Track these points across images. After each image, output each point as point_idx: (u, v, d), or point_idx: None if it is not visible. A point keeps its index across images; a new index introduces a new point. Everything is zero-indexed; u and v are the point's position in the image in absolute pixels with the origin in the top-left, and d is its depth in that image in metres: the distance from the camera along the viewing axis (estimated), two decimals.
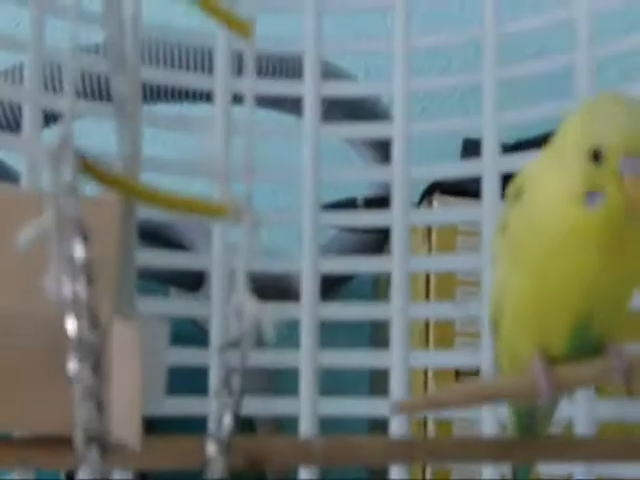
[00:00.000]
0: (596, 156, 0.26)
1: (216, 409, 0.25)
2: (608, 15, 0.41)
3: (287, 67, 0.50)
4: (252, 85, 0.23)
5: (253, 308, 0.26)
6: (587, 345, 0.30)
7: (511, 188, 0.31)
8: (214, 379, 0.41)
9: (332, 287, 0.72)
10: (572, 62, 0.41)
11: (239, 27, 0.23)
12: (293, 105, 0.46)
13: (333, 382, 0.71)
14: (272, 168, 0.44)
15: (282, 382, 0.48)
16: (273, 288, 0.60)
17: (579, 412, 0.40)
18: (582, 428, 0.40)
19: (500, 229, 0.31)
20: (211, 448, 0.25)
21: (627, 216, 0.26)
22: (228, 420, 0.25)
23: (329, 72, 0.51)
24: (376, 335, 0.64)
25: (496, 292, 0.32)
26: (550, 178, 0.28)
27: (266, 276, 0.45)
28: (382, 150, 0.53)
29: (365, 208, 0.57)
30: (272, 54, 0.49)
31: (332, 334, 0.67)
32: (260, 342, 0.27)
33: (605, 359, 0.29)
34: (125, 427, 0.24)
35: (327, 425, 0.43)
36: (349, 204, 0.56)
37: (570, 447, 0.33)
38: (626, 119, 0.26)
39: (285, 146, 0.75)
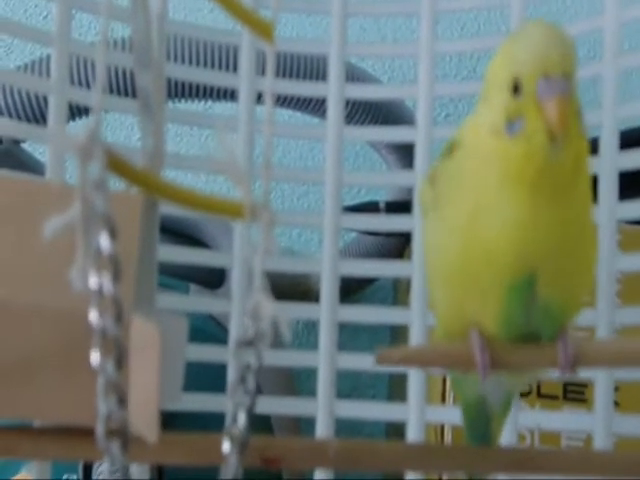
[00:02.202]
0: (516, 87, 0.26)
1: (231, 407, 0.25)
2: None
3: (313, 68, 0.50)
4: (272, 85, 0.23)
5: (270, 308, 0.26)
6: (534, 315, 0.27)
7: (445, 144, 0.30)
8: (231, 377, 0.41)
9: (354, 289, 0.73)
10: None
11: (260, 28, 0.23)
12: (319, 106, 0.46)
13: (352, 385, 0.71)
14: (297, 169, 0.44)
15: (303, 383, 0.48)
16: (295, 288, 0.61)
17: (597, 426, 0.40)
18: (600, 442, 0.39)
19: (429, 180, 0.30)
20: (226, 446, 0.25)
21: (551, 142, 0.25)
22: (243, 419, 0.25)
23: (354, 75, 0.52)
24: (396, 339, 0.63)
25: (428, 254, 0.30)
26: (476, 122, 0.27)
27: (288, 276, 0.45)
28: (406, 154, 0.53)
29: (387, 212, 0.57)
30: (298, 54, 0.49)
31: (353, 336, 0.67)
32: (279, 342, 0.27)
33: (551, 345, 0.28)
34: (143, 422, 0.24)
35: (344, 428, 0.43)
36: (371, 207, 0.56)
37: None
38: (541, 43, 0.25)
39: (311, 147, 0.75)
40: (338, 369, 0.43)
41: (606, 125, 0.40)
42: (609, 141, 0.40)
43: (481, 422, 0.33)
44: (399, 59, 0.73)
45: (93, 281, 0.20)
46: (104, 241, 0.20)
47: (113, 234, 0.20)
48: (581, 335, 0.47)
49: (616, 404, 0.49)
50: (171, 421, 0.46)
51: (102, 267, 0.21)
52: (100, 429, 0.21)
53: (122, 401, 0.21)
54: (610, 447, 0.40)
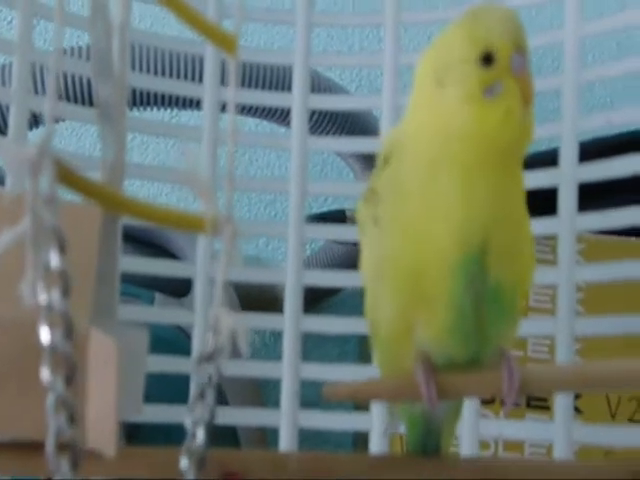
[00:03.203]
0: (487, 59, 0.27)
1: (190, 423, 0.25)
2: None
3: (279, 78, 0.50)
4: (234, 98, 0.23)
5: (229, 321, 0.25)
6: (481, 310, 0.28)
7: (379, 157, 0.30)
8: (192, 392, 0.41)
9: (321, 298, 0.72)
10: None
11: (223, 41, 0.23)
12: (285, 116, 0.46)
13: (319, 393, 0.71)
14: (263, 178, 0.44)
15: (270, 394, 0.48)
16: (262, 297, 0.60)
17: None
18: (560, 450, 0.40)
19: (364, 199, 0.30)
20: (184, 462, 0.25)
21: (523, 110, 0.27)
22: (202, 434, 0.25)
23: (320, 84, 0.52)
24: (364, 349, 0.64)
25: (370, 280, 0.30)
26: (436, 109, 0.28)
27: (255, 285, 0.45)
28: (372, 163, 0.53)
29: (354, 221, 0.57)
30: (264, 64, 0.49)
31: (320, 345, 0.67)
32: (245, 353, 0.26)
33: (495, 372, 0.28)
34: (102, 436, 0.24)
35: (311, 438, 0.43)
36: (338, 216, 0.56)
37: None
38: (510, 21, 0.27)
39: (278, 155, 0.75)
40: (303, 379, 0.42)
41: (566, 136, 0.41)
42: (569, 153, 0.41)
43: (426, 434, 0.32)
44: (367, 68, 0.73)
45: (42, 297, 0.20)
46: (54, 256, 0.20)
47: (63, 249, 0.20)
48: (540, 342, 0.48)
49: (579, 412, 0.50)
50: (138, 433, 0.46)
51: (52, 282, 0.20)
52: (50, 445, 0.20)
53: (73, 418, 0.21)
54: (570, 455, 0.40)
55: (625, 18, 0.41)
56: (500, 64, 0.27)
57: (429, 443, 0.33)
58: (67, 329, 0.20)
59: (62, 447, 0.21)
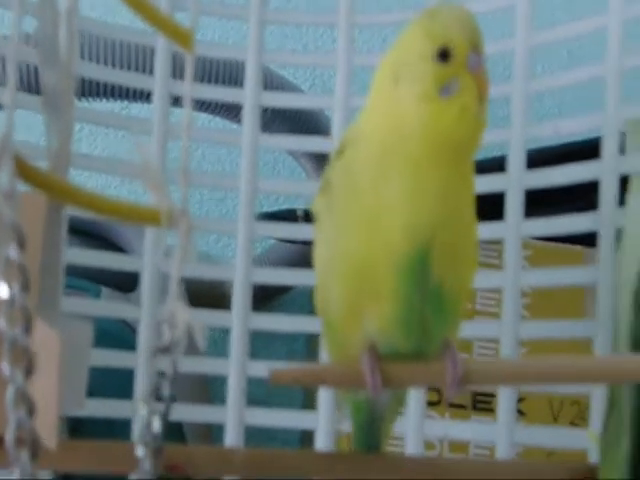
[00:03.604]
0: (444, 55, 0.28)
1: (145, 414, 0.25)
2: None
3: (232, 73, 0.50)
4: (190, 91, 0.23)
5: (185, 315, 0.25)
6: (424, 307, 0.28)
7: (336, 149, 0.31)
8: (140, 383, 0.41)
9: (272, 296, 0.72)
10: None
11: (178, 36, 0.23)
12: (237, 112, 0.46)
13: (267, 391, 0.71)
14: (214, 174, 0.43)
15: (217, 390, 0.47)
16: (210, 294, 0.60)
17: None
18: (502, 451, 0.40)
19: (320, 190, 0.31)
20: (140, 451, 0.25)
21: (479, 107, 0.28)
22: (157, 425, 0.25)
23: (273, 82, 0.52)
24: (312, 348, 0.64)
25: (322, 269, 0.31)
26: (392, 106, 0.28)
27: (204, 282, 0.45)
28: (324, 163, 0.53)
29: (305, 220, 0.57)
30: (217, 59, 0.49)
31: (268, 344, 0.67)
32: (194, 349, 0.26)
33: (439, 363, 0.29)
34: (43, 428, 0.23)
35: (258, 435, 0.43)
36: (289, 215, 0.56)
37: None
38: (467, 20, 0.28)
39: (229, 152, 0.75)
40: (251, 376, 0.42)
41: (514, 143, 0.42)
42: (517, 159, 0.41)
43: (371, 422, 0.33)
44: (320, 68, 0.74)
45: (3, 290, 0.20)
46: (13, 251, 0.20)
47: (22, 244, 0.20)
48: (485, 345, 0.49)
49: (522, 414, 0.51)
50: (81, 427, 0.45)
51: (12, 277, 0.20)
52: (10, 438, 0.21)
53: (32, 410, 0.21)
54: (513, 456, 0.41)
55: (575, 28, 0.41)
56: (456, 61, 0.28)
57: (372, 433, 0.33)
58: (27, 323, 0.20)
59: (21, 439, 0.21)
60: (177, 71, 0.42)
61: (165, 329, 0.24)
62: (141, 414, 0.24)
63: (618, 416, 0.36)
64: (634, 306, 0.36)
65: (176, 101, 0.42)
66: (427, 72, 0.28)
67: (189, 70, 0.22)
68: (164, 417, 0.24)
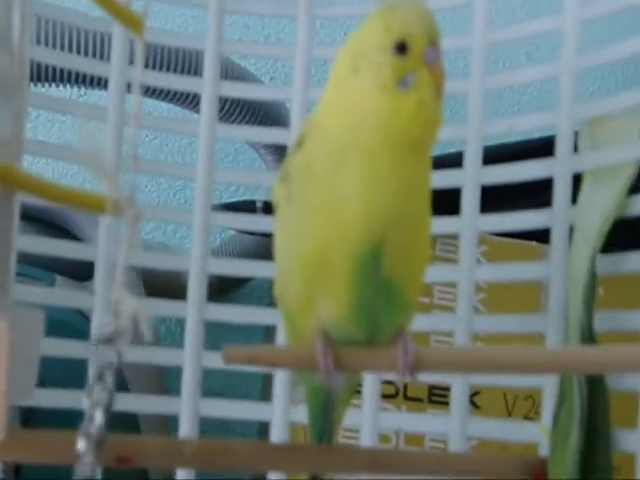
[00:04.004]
0: (401, 48, 0.28)
1: (88, 405, 0.25)
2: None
3: (192, 62, 0.50)
4: (141, 77, 0.23)
5: (131, 305, 0.25)
6: (376, 300, 0.29)
7: (295, 140, 0.31)
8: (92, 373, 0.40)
9: (229, 288, 0.72)
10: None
11: (129, 21, 0.23)
12: (197, 102, 0.45)
13: (224, 383, 0.71)
14: (171, 164, 0.43)
15: (173, 382, 0.47)
16: (169, 284, 0.60)
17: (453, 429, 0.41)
18: (455, 444, 0.41)
19: (280, 178, 0.31)
20: (81, 444, 0.25)
21: (435, 100, 0.28)
22: (100, 417, 0.25)
23: (233, 72, 0.51)
24: (269, 340, 0.64)
25: (280, 256, 0.31)
26: (349, 97, 0.28)
27: (162, 272, 0.45)
28: (284, 155, 0.53)
29: (264, 212, 0.57)
30: (176, 48, 0.48)
31: (226, 335, 0.66)
32: (149, 339, 0.26)
33: (391, 348, 0.29)
34: None
35: (215, 427, 0.43)
36: (248, 206, 0.56)
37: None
38: (425, 14, 0.28)
39: (189, 142, 0.74)
40: (207, 368, 0.42)
41: (471, 139, 0.42)
42: (473, 155, 0.42)
43: (325, 407, 0.33)
44: (282, 60, 0.73)
45: None
46: None
47: None
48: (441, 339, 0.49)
49: (477, 408, 0.51)
50: (34, 417, 0.44)
51: None
52: None
53: None
54: (466, 449, 0.41)
55: (532, 27, 0.42)
56: (414, 55, 0.28)
57: (326, 419, 0.33)
58: None
59: None
60: (134, 58, 0.42)
61: (110, 318, 0.24)
62: (84, 405, 0.24)
63: (568, 410, 0.36)
64: (584, 302, 0.36)
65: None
66: (385, 64, 0.28)
67: (139, 56, 0.22)
68: (107, 407, 0.24)
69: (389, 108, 0.28)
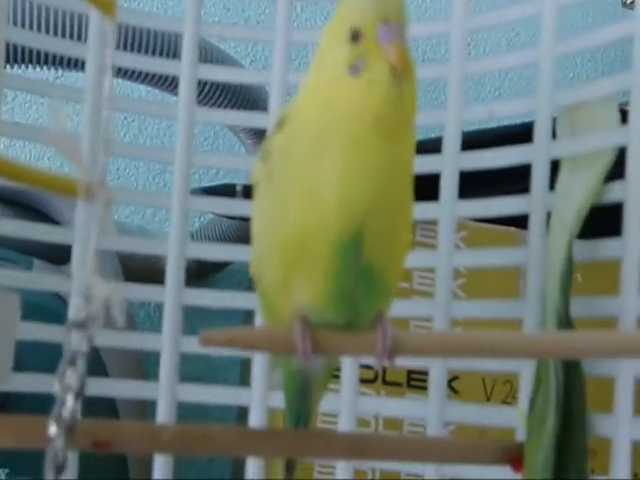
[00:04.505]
0: (355, 36, 0.27)
1: (59, 391, 0.25)
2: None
3: (170, 45, 0.49)
4: (111, 60, 0.23)
5: (103, 289, 0.25)
6: (355, 285, 0.28)
7: (276, 122, 0.31)
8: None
9: (208, 272, 0.72)
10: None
11: (101, 3, 0.22)
12: (175, 85, 0.45)
13: (203, 368, 0.71)
14: (149, 147, 0.43)
15: (152, 367, 0.47)
16: (148, 268, 0.59)
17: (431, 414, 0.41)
18: (433, 428, 0.41)
19: (260, 158, 0.31)
20: (52, 429, 0.24)
21: (393, 77, 0.27)
22: (71, 402, 0.24)
23: (213, 55, 0.51)
24: (249, 324, 0.64)
25: (260, 231, 0.31)
26: (307, 87, 0.29)
27: (140, 256, 0.44)
28: (263, 139, 0.53)
29: (244, 196, 0.57)
30: (155, 30, 0.48)
31: (205, 320, 0.66)
32: (128, 324, 0.26)
33: (370, 333, 0.29)
34: None
35: (193, 412, 0.43)
36: (227, 190, 0.56)
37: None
38: None
39: (168, 125, 0.74)
40: (186, 353, 0.42)
41: (450, 125, 0.42)
42: (452, 140, 0.42)
43: (302, 391, 0.33)
44: (262, 44, 0.73)
45: None
46: None
47: None
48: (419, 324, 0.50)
49: (456, 392, 0.51)
50: (11, 402, 0.44)
51: None
52: None
53: None
54: (444, 434, 0.42)
55: (511, 13, 0.42)
56: (366, 39, 0.27)
57: (304, 404, 0.34)
58: None
59: None
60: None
61: (82, 303, 0.24)
62: (55, 390, 0.24)
63: (545, 395, 0.36)
64: (561, 289, 0.36)
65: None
66: (340, 55, 0.28)
67: (110, 38, 0.21)
68: (79, 392, 0.24)
69: (342, 95, 0.27)
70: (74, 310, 0.40)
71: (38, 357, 0.41)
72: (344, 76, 0.27)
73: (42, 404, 0.39)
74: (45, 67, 0.48)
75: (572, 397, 0.36)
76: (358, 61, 0.27)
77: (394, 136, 0.28)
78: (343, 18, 0.28)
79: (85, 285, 0.24)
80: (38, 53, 0.46)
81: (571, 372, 0.36)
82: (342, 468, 0.41)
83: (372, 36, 0.27)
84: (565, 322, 0.36)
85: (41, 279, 0.44)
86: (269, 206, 0.30)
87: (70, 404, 0.24)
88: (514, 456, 0.35)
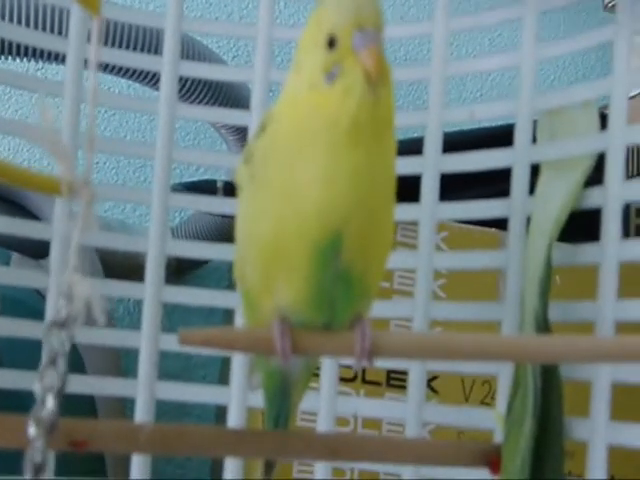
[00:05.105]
0: (331, 43, 0.28)
1: (40, 390, 0.25)
2: None
3: (152, 40, 0.49)
4: (96, 55, 0.22)
5: (85, 288, 0.25)
6: (334, 287, 0.28)
7: (259, 123, 0.31)
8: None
9: (187, 270, 0.72)
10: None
11: (85, 2, 0.22)
12: (157, 80, 0.45)
13: (182, 366, 0.71)
14: (130, 142, 0.42)
15: (131, 364, 0.47)
16: (127, 264, 0.59)
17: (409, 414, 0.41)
18: (412, 428, 0.41)
19: (243, 159, 0.31)
20: (32, 430, 0.24)
21: (368, 84, 0.27)
22: (51, 402, 0.24)
23: (195, 51, 0.51)
24: (229, 322, 0.63)
25: (242, 231, 0.31)
26: (288, 92, 0.29)
27: (120, 252, 0.44)
28: (245, 136, 0.53)
29: (224, 193, 0.57)
30: (137, 25, 0.47)
31: (185, 318, 0.66)
32: (108, 321, 0.26)
33: (349, 333, 0.29)
34: None
35: (172, 410, 0.42)
36: (208, 187, 0.55)
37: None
38: (353, 0, 0.28)
39: (149, 120, 0.73)
40: (165, 351, 0.42)
41: (431, 126, 0.42)
42: (433, 142, 0.42)
43: (281, 391, 0.33)
44: (244, 40, 0.73)
45: None
46: None
47: None
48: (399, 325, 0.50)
49: (435, 392, 0.52)
50: None
51: None
52: None
53: None
54: (423, 434, 0.42)
55: (494, 16, 0.42)
56: (341, 46, 0.27)
57: (283, 404, 0.33)
58: None
59: None
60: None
61: (63, 302, 0.24)
62: (35, 390, 0.24)
63: (522, 398, 0.37)
64: (539, 291, 0.37)
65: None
66: (316, 61, 0.28)
67: (95, 34, 0.21)
68: (59, 392, 0.24)
69: (318, 103, 0.27)
70: (55, 310, 0.39)
71: (16, 353, 0.40)
72: (320, 83, 0.27)
73: (20, 401, 0.39)
74: (25, 59, 0.47)
75: (550, 401, 0.36)
76: (334, 68, 0.27)
77: (372, 141, 0.28)
78: (321, 23, 0.28)
79: (66, 284, 0.24)
80: (18, 46, 0.46)
81: (549, 376, 0.36)
82: (321, 468, 0.41)
83: (348, 43, 0.27)
84: (543, 325, 0.37)
85: (19, 275, 0.43)
86: (251, 208, 0.30)
87: (50, 405, 0.24)
88: (492, 458, 0.35)
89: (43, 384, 0.24)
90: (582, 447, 0.37)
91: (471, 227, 0.53)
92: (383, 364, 0.38)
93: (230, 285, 0.68)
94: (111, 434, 0.31)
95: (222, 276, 0.73)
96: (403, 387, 0.47)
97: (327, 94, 0.27)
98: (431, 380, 0.52)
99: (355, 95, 0.27)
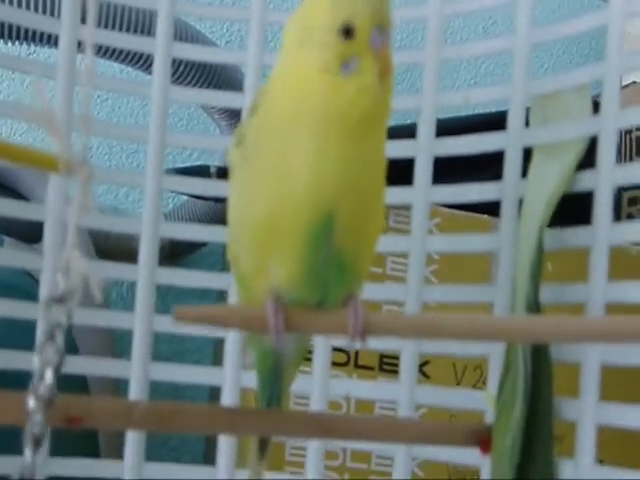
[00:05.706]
0: (347, 32, 0.28)
1: (38, 365, 0.25)
2: None
3: (145, 23, 0.49)
4: (92, 37, 0.22)
5: (82, 265, 0.25)
6: (326, 268, 0.29)
7: (250, 105, 0.31)
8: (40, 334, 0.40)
9: (181, 253, 0.72)
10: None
11: None
12: (150, 63, 0.45)
13: (177, 348, 0.71)
14: (123, 126, 0.42)
15: (125, 345, 0.47)
16: (120, 248, 0.59)
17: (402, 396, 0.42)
18: (404, 411, 0.41)
19: (235, 141, 0.31)
20: (31, 403, 0.24)
21: (380, 81, 0.28)
22: (50, 377, 0.25)
23: (188, 34, 0.50)
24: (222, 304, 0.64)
25: (234, 212, 0.31)
26: (287, 69, 0.29)
27: (113, 235, 0.44)
28: (238, 121, 0.53)
29: (218, 177, 0.57)
30: (130, 7, 0.47)
31: (180, 300, 0.66)
32: (102, 302, 0.26)
33: (342, 312, 0.29)
34: None
35: (166, 391, 0.43)
36: (201, 171, 0.55)
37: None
38: None
39: (143, 104, 0.73)
40: (159, 332, 0.42)
41: (425, 111, 0.42)
42: (427, 126, 0.42)
43: (274, 371, 0.34)
44: (238, 24, 0.72)
45: None
46: None
47: None
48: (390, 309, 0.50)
49: (427, 377, 0.52)
50: None
51: None
52: None
53: None
54: (415, 416, 0.42)
55: (489, 1, 0.42)
56: (359, 39, 0.28)
57: (276, 384, 0.34)
58: None
59: None
60: (86, 16, 0.41)
61: (60, 278, 0.24)
62: (34, 365, 0.24)
63: (513, 379, 0.37)
64: (531, 274, 0.37)
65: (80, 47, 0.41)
66: (330, 45, 0.28)
67: (91, 15, 0.21)
68: (57, 367, 0.24)
69: (330, 90, 0.28)
70: (51, 285, 0.40)
71: (5, 334, 0.40)
72: (335, 71, 0.27)
73: (9, 380, 0.39)
74: (17, 42, 0.47)
75: (540, 382, 0.37)
76: (352, 60, 0.28)
77: (370, 131, 0.28)
78: (334, 9, 0.28)
79: (64, 259, 0.24)
80: (10, 28, 0.46)
81: (539, 357, 0.37)
82: (313, 449, 0.42)
83: (366, 37, 0.28)
84: (534, 308, 0.37)
85: (12, 257, 0.43)
86: (244, 190, 0.30)
87: (49, 378, 0.24)
88: (483, 438, 0.35)
89: (42, 358, 0.24)
90: (571, 430, 0.37)
91: (463, 213, 0.53)
92: (376, 345, 0.39)
93: (224, 269, 0.69)
94: (106, 411, 0.31)
95: (216, 260, 0.74)
96: (395, 372, 0.48)
97: (341, 85, 0.27)
98: (423, 365, 0.52)
99: (371, 94, 0.27)
